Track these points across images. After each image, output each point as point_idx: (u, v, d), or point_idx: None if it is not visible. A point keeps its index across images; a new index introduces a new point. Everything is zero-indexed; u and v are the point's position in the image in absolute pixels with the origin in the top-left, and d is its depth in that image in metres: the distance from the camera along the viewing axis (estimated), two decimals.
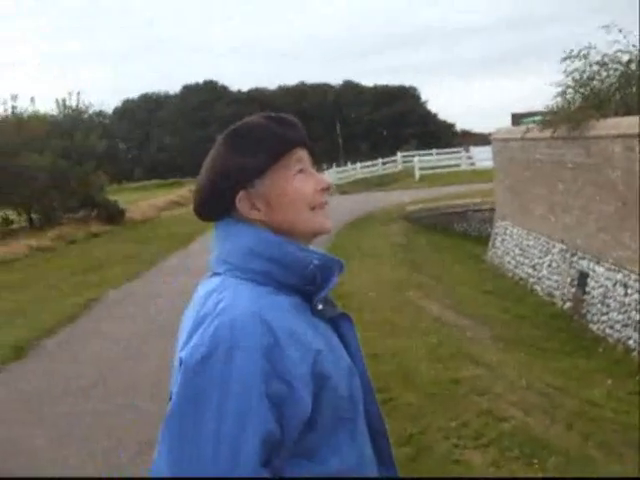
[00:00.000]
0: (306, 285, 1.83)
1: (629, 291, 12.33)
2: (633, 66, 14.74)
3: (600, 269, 13.54)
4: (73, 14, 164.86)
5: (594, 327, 13.38)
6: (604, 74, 15.24)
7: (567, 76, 15.70)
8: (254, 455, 1.62)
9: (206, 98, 77.70)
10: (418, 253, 20.34)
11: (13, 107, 30.62)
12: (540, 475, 5.66)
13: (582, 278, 14.30)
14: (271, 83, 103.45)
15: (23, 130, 28.85)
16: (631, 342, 11.91)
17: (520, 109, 29.16)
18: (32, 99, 32.20)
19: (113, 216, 29.81)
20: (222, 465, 1.61)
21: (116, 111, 77.99)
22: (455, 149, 48.92)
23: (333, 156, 59.66)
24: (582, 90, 15.40)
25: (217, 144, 1.93)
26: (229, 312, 1.70)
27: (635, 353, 11.64)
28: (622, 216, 12.54)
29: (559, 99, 15.98)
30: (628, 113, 13.26)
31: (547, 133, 15.68)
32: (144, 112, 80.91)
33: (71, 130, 30.97)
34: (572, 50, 15.44)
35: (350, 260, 16.50)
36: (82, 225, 27.83)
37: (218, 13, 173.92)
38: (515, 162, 19.28)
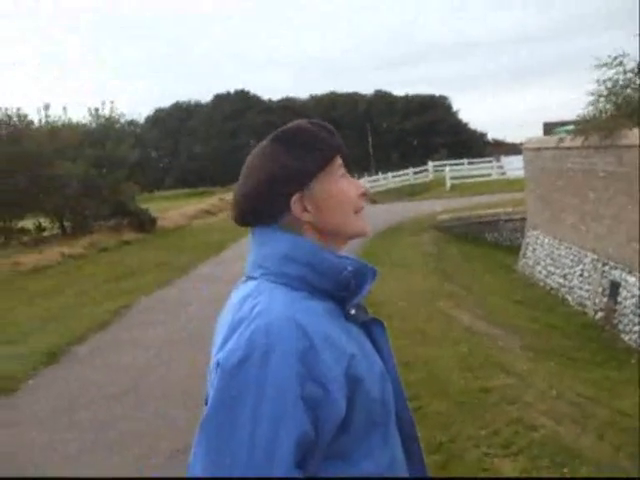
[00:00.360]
0: (340, 291, 1.84)
1: None
2: None
3: (632, 279, 13.43)
4: (113, 23, 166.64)
5: (626, 337, 13.27)
6: (638, 82, 15.13)
7: (600, 85, 15.60)
8: (289, 458, 1.63)
9: (237, 107, 78.01)
10: (449, 262, 20.28)
11: (47, 116, 30.95)
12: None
13: (614, 288, 14.19)
14: (302, 92, 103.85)
15: (56, 139, 29.16)
16: None
17: (552, 119, 29.09)
18: (64, 108, 32.54)
19: (144, 224, 30.03)
20: (256, 468, 1.62)
21: (148, 120, 78.47)
22: (486, 159, 48.77)
23: (364, 165, 59.67)
24: (614, 99, 15.28)
25: (265, 148, 1.93)
26: (265, 316, 1.72)
27: None
28: None
29: (591, 108, 15.90)
30: None
31: (579, 142, 15.60)
32: (175, 121, 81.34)
33: (103, 139, 31.21)
34: (608, 57, 15.33)
35: (381, 269, 16.40)
36: (114, 233, 28.06)
37: (249, 23, 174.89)
38: (546, 171, 19.19)
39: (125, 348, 11.24)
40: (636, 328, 12.96)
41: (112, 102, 34.95)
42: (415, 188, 44.62)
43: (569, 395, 8.70)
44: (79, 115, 54.71)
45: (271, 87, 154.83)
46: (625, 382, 10.88)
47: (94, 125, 33.16)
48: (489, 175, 42.71)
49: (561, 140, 16.99)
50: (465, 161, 46.94)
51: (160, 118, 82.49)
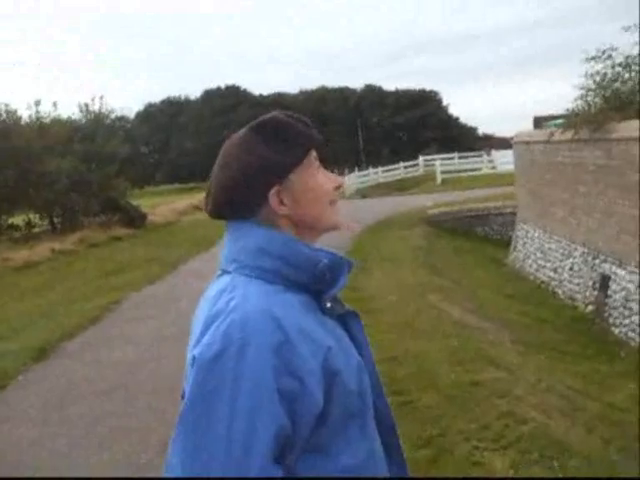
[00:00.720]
0: (315, 284, 1.84)
1: None
2: None
3: (622, 272, 13.46)
4: (106, 20, 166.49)
5: (616, 331, 13.30)
6: (626, 76, 15.16)
7: (588, 79, 15.65)
8: (266, 452, 1.62)
9: (228, 103, 77.98)
10: (439, 256, 20.28)
11: (36, 112, 30.87)
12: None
13: (604, 281, 14.22)
14: (292, 87, 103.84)
15: (45, 134, 29.07)
16: None
17: (543, 112, 29.14)
18: (54, 104, 32.46)
19: (135, 220, 29.96)
20: (234, 462, 1.62)
21: (138, 115, 78.37)
22: (476, 153, 48.88)
23: (354, 160, 59.78)
24: (604, 92, 15.31)
25: (242, 138, 1.92)
26: (240, 310, 1.71)
27: None
28: None
29: (580, 101, 15.92)
30: None
31: (568, 136, 15.61)
32: (166, 116, 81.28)
33: (93, 134, 31.16)
34: (595, 52, 15.39)
35: (370, 263, 16.51)
36: (104, 229, 27.96)
37: (240, 18, 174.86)
38: (536, 165, 19.21)
39: (115, 344, 11.21)
40: (626, 321, 12.99)
41: (102, 97, 34.98)
42: (406, 182, 44.70)
43: (559, 388, 8.72)
44: (70, 111, 54.63)
45: (261, 82, 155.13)
46: (615, 375, 10.91)
47: (84, 121, 33.09)
48: (479, 169, 42.88)
49: (551, 134, 17.01)
50: (456, 155, 47.10)
51: (151, 114, 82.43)
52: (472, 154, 48.16)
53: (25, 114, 30.55)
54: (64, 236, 26.03)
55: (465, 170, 42.71)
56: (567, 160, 16.38)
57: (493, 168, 42.89)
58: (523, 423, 6.67)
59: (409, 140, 76.89)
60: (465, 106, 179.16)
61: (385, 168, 48.16)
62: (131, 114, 65.17)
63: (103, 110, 33.43)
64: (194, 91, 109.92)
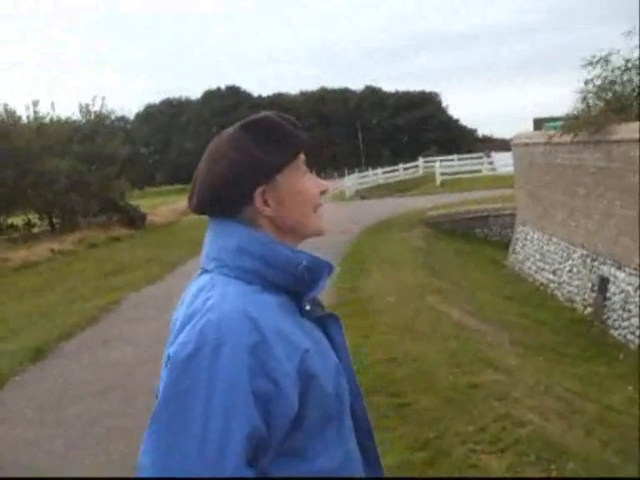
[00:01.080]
0: (295, 285, 1.82)
1: None
2: None
3: (621, 274, 13.45)
4: (106, 20, 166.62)
5: (615, 333, 13.29)
6: (626, 78, 15.17)
7: (587, 84, 15.67)
8: (240, 453, 1.61)
9: (228, 103, 77.99)
10: (438, 258, 20.28)
11: (35, 112, 30.83)
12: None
13: (603, 283, 14.21)
14: (292, 88, 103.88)
15: (44, 135, 29.06)
16: None
17: (542, 114, 29.12)
18: (52, 104, 32.46)
19: (134, 220, 29.97)
20: (207, 463, 1.60)
21: (138, 116, 78.39)
22: (476, 154, 48.85)
23: (354, 161, 59.75)
24: (604, 95, 15.32)
25: (232, 136, 1.90)
26: (217, 310, 1.70)
27: None
28: None
29: (580, 104, 15.93)
30: None
31: (568, 138, 15.61)
32: (166, 117, 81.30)
33: (93, 135, 31.16)
34: (593, 56, 15.39)
35: (369, 264, 16.50)
36: (103, 229, 27.98)
37: (240, 18, 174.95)
38: (536, 167, 19.21)
39: (114, 344, 11.20)
40: (625, 323, 12.98)
41: (103, 98, 34.96)
42: (405, 184, 44.64)
43: (557, 391, 8.71)
44: (69, 111, 54.68)
45: (261, 83, 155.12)
46: (614, 377, 10.90)
47: (84, 121, 33.07)
48: (479, 171, 42.79)
49: (551, 136, 17.00)
50: (455, 157, 47.11)
51: (151, 114, 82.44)
52: (472, 156, 48.16)
53: (24, 114, 30.63)
54: (63, 236, 26.04)
55: (465, 172, 42.63)
56: (567, 162, 16.37)
57: (493, 170, 42.81)
58: (521, 426, 6.65)
59: (409, 141, 76.97)
60: (465, 108, 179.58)
61: (385, 169, 48.12)
62: (131, 115, 65.18)
63: (103, 111, 33.44)
64: (194, 92, 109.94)
